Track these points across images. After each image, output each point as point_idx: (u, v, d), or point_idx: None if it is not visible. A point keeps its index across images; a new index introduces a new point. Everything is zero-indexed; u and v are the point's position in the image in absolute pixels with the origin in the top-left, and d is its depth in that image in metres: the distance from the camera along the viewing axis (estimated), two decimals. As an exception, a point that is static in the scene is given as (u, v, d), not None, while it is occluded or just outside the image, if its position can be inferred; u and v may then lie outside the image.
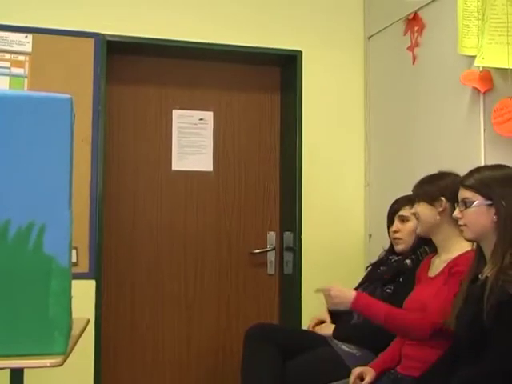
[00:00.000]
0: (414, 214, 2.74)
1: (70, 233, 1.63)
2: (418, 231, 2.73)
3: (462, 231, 2.35)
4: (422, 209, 2.66)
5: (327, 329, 3.08)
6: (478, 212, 2.25)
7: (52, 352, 1.60)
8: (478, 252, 2.33)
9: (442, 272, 2.58)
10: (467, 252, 2.54)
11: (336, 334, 3.01)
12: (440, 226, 2.62)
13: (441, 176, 2.69)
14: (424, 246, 3.04)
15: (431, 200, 2.63)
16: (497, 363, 2.07)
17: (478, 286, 2.20)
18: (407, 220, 3.08)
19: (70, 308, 1.69)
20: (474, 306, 2.13)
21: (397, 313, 2.58)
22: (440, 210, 2.60)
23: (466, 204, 2.27)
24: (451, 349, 2.33)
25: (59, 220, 1.60)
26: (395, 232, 3.11)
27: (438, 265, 2.66)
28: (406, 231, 3.08)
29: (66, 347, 1.63)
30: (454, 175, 2.64)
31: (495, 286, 2.08)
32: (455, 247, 2.60)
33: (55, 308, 1.60)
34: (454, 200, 2.48)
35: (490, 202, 2.22)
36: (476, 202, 2.24)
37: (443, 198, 2.59)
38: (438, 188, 2.63)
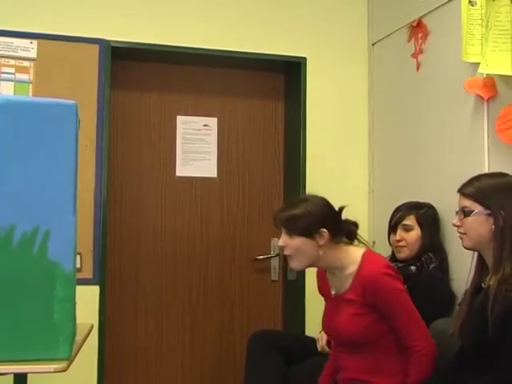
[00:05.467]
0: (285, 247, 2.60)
1: (74, 238, 1.63)
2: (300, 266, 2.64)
3: (461, 239, 2.33)
4: (302, 243, 2.56)
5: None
6: (477, 221, 2.24)
7: (56, 357, 1.60)
8: (480, 261, 2.32)
9: (353, 288, 2.55)
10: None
11: None
12: (324, 255, 2.56)
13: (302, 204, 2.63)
14: (429, 252, 3.05)
15: (309, 235, 2.55)
16: (508, 372, 2.06)
17: (481, 295, 2.19)
18: (411, 229, 3.09)
19: (75, 313, 1.69)
20: (478, 315, 2.13)
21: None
22: (321, 242, 2.55)
23: (465, 213, 2.26)
24: (455, 358, 2.32)
25: (64, 225, 1.61)
26: (399, 241, 3.11)
27: (340, 281, 2.62)
28: (409, 240, 3.09)
29: (71, 352, 1.63)
30: (320, 199, 2.65)
31: (498, 296, 2.08)
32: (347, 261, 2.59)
33: (60, 313, 1.60)
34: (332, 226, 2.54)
35: (488, 212, 2.21)
36: (475, 211, 2.23)
37: (324, 229, 2.55)
38: (315, 219, 2.56)
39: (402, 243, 3.10)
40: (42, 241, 1.59)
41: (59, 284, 1.60)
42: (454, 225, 2.32)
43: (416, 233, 3.09)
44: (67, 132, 1.61)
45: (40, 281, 1.59)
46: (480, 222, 2.23)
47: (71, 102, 1.63)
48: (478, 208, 2.23)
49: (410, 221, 3.11)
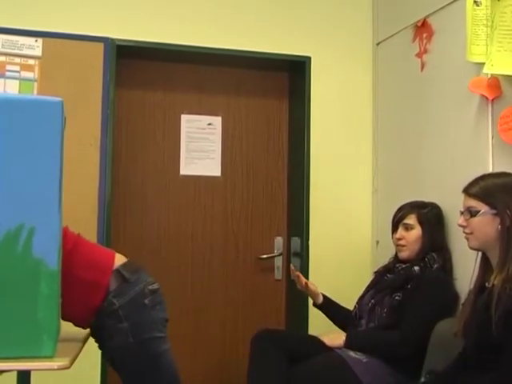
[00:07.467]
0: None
1: (59, 235, 1.63)
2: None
3: (466, 239, 2.33)
4: None
5: (337, 339, 3.03)
6: (483, 221, 2.25)
7: (40, 355, 1.60)
8: (484, 261, 2.32)
9: None
10: None
11: (349, 345, 2.96)
12: None
13: None
14: (432, 253, 3.03)
15: None
16: (511, 372, 2.05)
17: (484, 294, 2.19)
18: (411, 228, 3.08)
19: (59, 311, 1.68)
20: (482, 314, 2.15)
21: None
22: None
23: (471, 213, 2.26)
24: (458, 357, 2.32)
25: (49, 223, 1.60)
26: (399, 239, 3.10)
27: None
28: (410, 239, 3.07)
29: (55, 351, 1.63)
30: None
31: (502, 295, 2.09)
32: None
33: (44, 311, 1.60)
34: None
35: (495, 211, 2.21)
36: (481, 211, 2.24)
37: None
38: None
39: (402, 242, 3.09)
40: (27, 238, 1.58)
41: (44, 281, 1.60)
42: (460, 225, 2.33)
43: (416, 232, 3.07)
44: (52, 129, 1.60)
45: (24, 278, 1.59)
46: (486, 222, 2.24)
47: (57, 99, 1.62)
48: (484, 208, 2.24)
49: (411, 220, 3.09)
